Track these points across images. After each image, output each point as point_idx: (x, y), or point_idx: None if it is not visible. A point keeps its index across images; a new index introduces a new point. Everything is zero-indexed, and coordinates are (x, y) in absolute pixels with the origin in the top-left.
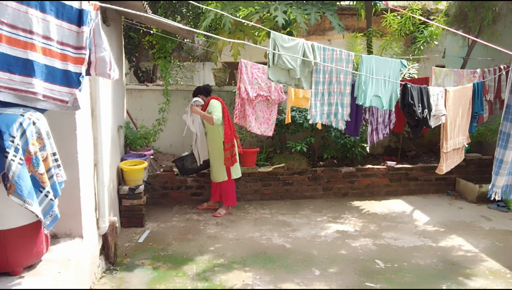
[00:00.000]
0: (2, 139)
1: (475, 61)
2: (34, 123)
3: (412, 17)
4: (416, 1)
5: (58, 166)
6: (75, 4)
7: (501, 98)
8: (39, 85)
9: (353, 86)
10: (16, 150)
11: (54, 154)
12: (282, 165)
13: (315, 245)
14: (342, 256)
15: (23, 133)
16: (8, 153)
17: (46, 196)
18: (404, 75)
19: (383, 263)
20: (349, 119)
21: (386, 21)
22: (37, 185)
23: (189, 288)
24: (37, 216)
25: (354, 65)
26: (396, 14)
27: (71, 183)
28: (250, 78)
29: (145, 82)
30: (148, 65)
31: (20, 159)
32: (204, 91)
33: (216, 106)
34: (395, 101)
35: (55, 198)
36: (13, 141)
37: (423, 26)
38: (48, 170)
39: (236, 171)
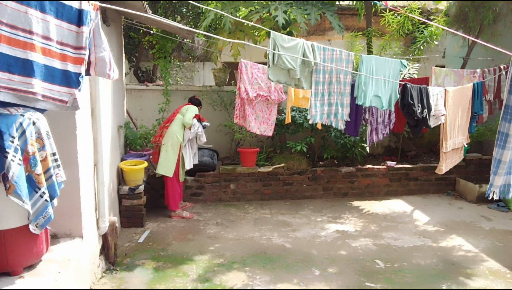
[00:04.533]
0: (2, 139)
1: (475, 61)
2: (34, 123)
3: (411, 16)
4: (416, 1)
5: (58, 166)
6: (75, 4)
7: (500, 98)
8: (39, 85)
9: (353, 86)
10: (16, 150)
11: (53, 154)
12: (282, 165)
13: (315, 245)
14: (342, 256)
15: (23, 133)
16: (8, 153)
17: (41, 196)
18: (404, 75)
19: (383, 263)
20: (349, 119)
21: (385, 20)
22: (33, 185)
23: (189, 288)
24: (28, 218)
25: (354, 65)
26: (395, 14)
27: (71, 183)
28: (250, 78)
29: (145, 82)
30: (148, 65)
31: (20, 159)
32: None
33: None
34: (394, 101)
35: (52, 199)
36: (13, 142)
37: (423, 26)
38: (47, 170)
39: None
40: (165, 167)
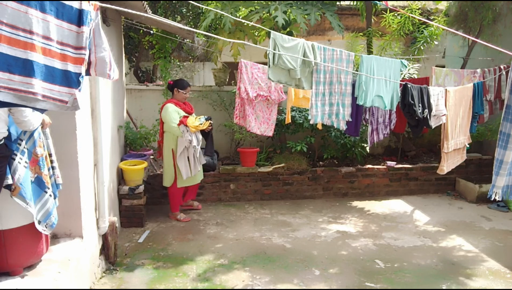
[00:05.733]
0: (11, 141)
1: (475, 61)
2: (42, 126)
3: (412, 17)
4: (416, 1)
5: (54, 167)
6: (75, 4)
7: (501, 98)
8: (39, 85)
9: (353, 86)
10: (23, 153)
11: (50, 155)
12: (282, 165)
13: (315, 245)
14: (342, 256)
15: (31, 136)
16: (15, 155)
17: (51, 196)
18: (404, 75)
19: (383, 263)
20: (350, 119)
21: (386, 21)
22: (43, 186)
23: (189, 288)
24: (38, 222)
25: (354, 65)
26: (395, 14)
27: (71, 183)
28: (250, 78)
29: (145, 82)
30: (148, 65)
31: (26, 162)
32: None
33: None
34: (396, 101)
35: (54, 198)
36: (20, 144)
37: (423, 26)
38: (48, 170)
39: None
40: (165, 179)
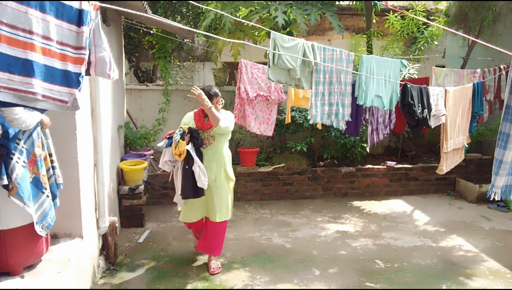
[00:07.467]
0: (9, 140)
1: (475, 61)
2: (41, 126)
3: (416, 19)
4: (416, 1)
5: (54, 167)
6: (75, 4)
7: (501, 98)
8: (39, 85)
9: (353, 86)
10: (21, 152)
11: (50, 154)
12: (282, 165)
13: (315, 245)
14: (342, 256)
15: (30, 135)
16: (13, 155)
17: (48, 196)
18: (404, 75)
19: (383, 263)
20: (350, 119)
21: (389, 22)
22: (40, 186)
23: (189, 288)
24: (35, 223)
25: (355, 65)
26: (398, 15)
27: (71, 183)
28: (250, 78)
29: (145, 82)
30: (148, 65)
31: (24, 161)
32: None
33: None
34: (395, 101)
35: (54, 199)
36: (18, 144)
37: (424, 26)
38: (47, 170)
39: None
40: None
